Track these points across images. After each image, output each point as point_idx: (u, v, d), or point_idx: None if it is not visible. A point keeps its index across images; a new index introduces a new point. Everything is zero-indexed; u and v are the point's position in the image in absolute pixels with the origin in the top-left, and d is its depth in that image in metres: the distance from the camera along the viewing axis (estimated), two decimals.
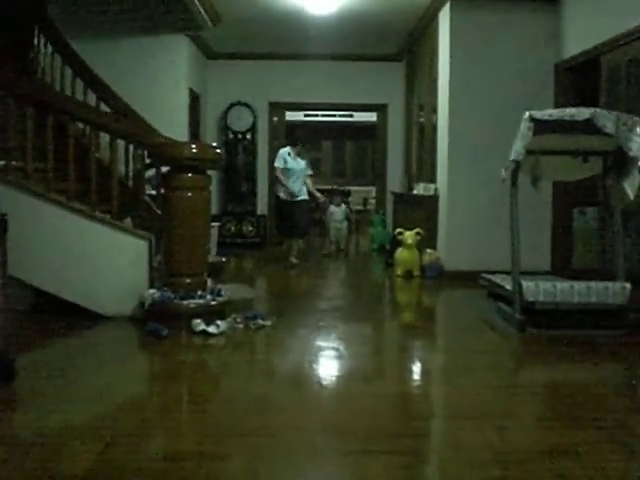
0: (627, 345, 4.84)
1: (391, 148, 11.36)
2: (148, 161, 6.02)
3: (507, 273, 5.58)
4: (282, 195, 8.54)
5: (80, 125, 6.25)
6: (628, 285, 5.15)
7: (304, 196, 8.60)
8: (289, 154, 8.54)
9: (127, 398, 3.63)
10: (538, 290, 5.16)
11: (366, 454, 2.84)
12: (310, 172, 8.76)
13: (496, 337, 5.21)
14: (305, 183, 8.66)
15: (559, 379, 4.11)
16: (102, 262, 5.31)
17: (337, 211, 10.56)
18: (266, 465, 2.72)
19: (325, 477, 2.67)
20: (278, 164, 8.51)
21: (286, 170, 8.48)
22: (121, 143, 5.84)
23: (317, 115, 15.66)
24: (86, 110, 5.83)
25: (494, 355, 4.65)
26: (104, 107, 6.78)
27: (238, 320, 5.22)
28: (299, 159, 8.60)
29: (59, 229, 5.28)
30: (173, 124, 8.52)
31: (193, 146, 5.30)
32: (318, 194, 9.02)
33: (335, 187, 15.24)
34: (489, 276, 6.48)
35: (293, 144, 8.74)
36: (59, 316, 5.26)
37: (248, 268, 8.88)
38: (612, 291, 5.13)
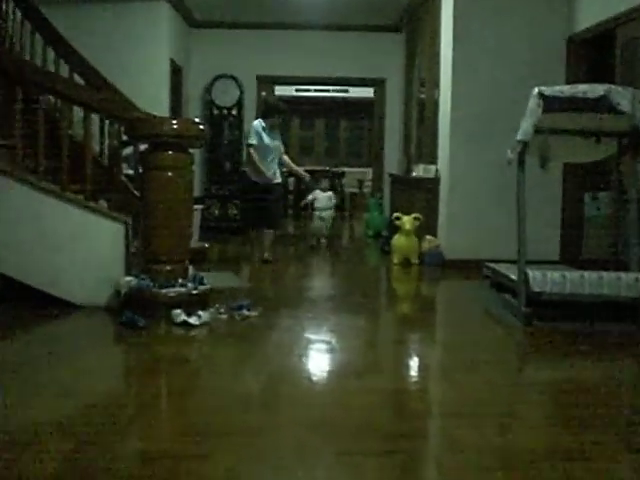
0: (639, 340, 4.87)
1: (389, 126, 11.35)
2: (125, 138, 5.99)
3: (513, 262, 5.59)
4: (254, 178, 7.65)
5: (51, 98, 6.21)
6: None
7: (279, 179, 7.89)
8: (264, 128, 7.62)
9: (100, 394, 3.61)
10: (545, 280, 5.17)
11: (358, 455, 2.84)
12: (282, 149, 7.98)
13: (500, 330, 5.23)
14: (281, 162, 7.96)
15: (566, 376, 4.12)
16: (74, 247, 5.28)
17: (322, 197, 9.56)
18: (250, 466, 2.72)
19: (313, 478, 2.68)
20: (253, 141, 7.58)
21: (261, 148, 7.59)
22: (96, 118, 5.80)
23: (309, 90, 15.62)
24: (57, 81, 5.78)
25: (497, 350, 4.67)
26: (78, 79, 6.73)
27: (222, 311, 5.22)
28: (274, 133, 7.76)
29: (27, 210, 5.24)
30: (153, 98, 8.49)
31: (174, 122, 5.27)
32: (302, 171, 8.48)
33: (327, 168, 15.23)
34: (493, 265, 6.48)
35: (268, 114, 7.74)
36: (27, 305, 5.23)
37: (233, 255, 8.87)
38: (625, 282, 5.14)
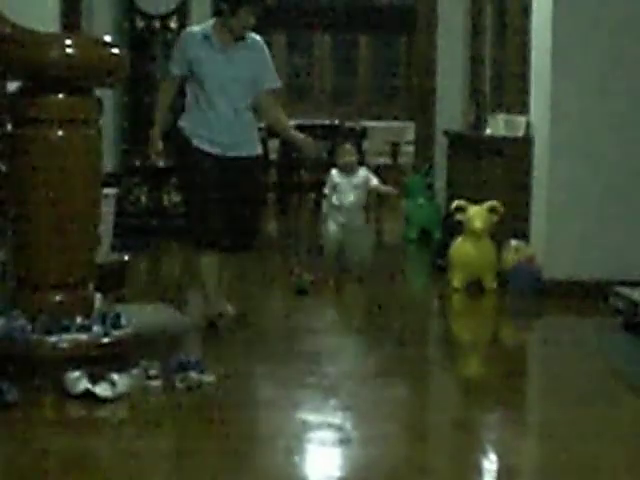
0: None
1: (444, 51, 11.32)
2: None
3: None
4: (201, 145, 6.57)
5: None
6: None
7: (252, 149, 6.71)
8: (206, 37, 6.46)
9: None
10: None
11: None
12: (276, 83, 6.78)
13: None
14: (259, 110, 6.79)
15: None
16: None
17: (344, 184, 8.66)
18: None
19: None
20: (175, 68, 6.63)
21: (199, 77, 6.47)
22: None
23: None
24: None
25: (635, 442, 4.65)
26: None
27: (153, 373, 5.19)
28: (236, 51, 6.54)
29: None
30: (33, 3, 8.48)
31: (68, 42, 5.25)
32: (301, 136, 6.95)
33: (334, 123, 15.17)
34: (629, 291, 6.46)
35: (224, 8, 6.47)
36: None
37: (173, 274, 8.85)
38: None
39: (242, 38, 6.54)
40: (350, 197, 8.67)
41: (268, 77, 6.74)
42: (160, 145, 6.76)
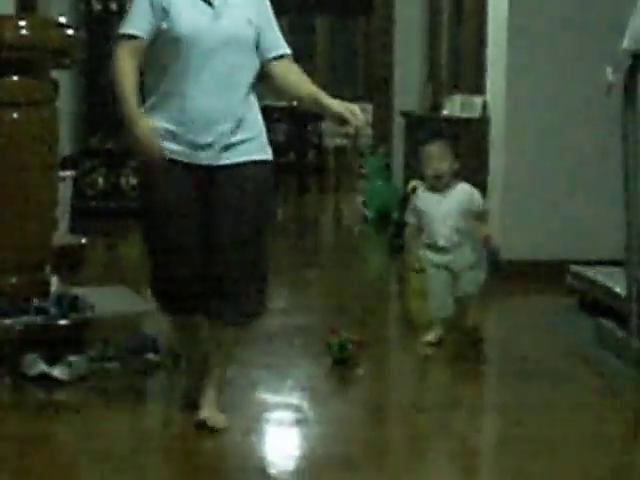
0: None
1: (401, 30, 11.32)
2: None
3: (617, 264, 5.60)
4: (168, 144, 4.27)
5: None
6: None
7: (254, 153, 4.35)
8: None
9: None
10: None
11: None
12: (286, 49, 4.52)
13: (595, 382, 5.27)
14: (273, 83, 4.51)
15: None
16: None
17: (436, 212, 5.77)
18: None
19: None
20: (136, 25, 4.26)
21: (170, 40, 4.24)
22: None
23: None
24: None
25: (591, 418, 4.68)
26: None
27: (109, 355, 5.18)
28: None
29: None
30: None
31: (22, 23, 5.24)
32: (344, 105, 4.26)
33: (288, 104, 15.11)
34: (583, 270, 6.49)
35: None
36: None
37: (132, 256, 8.82)
38: None
39: None
40: (443, 230, 5.72)
41: (274, 41, 4.44)
42: (148, 123, 4.17)
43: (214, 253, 4.20)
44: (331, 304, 7.36)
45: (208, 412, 4.26)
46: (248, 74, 4.29)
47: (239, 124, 4.22)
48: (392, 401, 5.22)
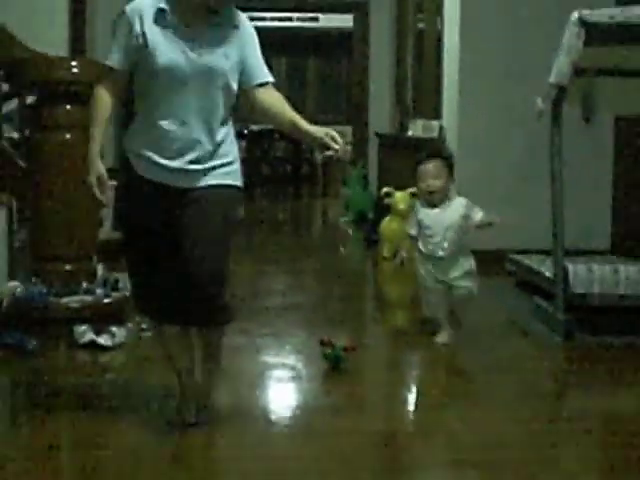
0: None
1: (375, 68, 11.33)
2: (6, 88, 5.91)
3: (547, 253, 5.61)
4: (137, 167, 3.66)
5: None
6: None
7: (224, 177, 3.66)
8: (161, 11, 3.57)
9: None
10: (592, 277, 5.19)
11: None
12: (269, 77, 3.78)
13: (529, 347, 5.27)
14: (255, 110, 3.79)
15: (622, 410, 4.15)
16: None
17: (430, 221, 5.10)
18: None
19: None
20: (115, 59, 3.63)
21: (148, 71, 3.60)
22: None
23: (265, 19, 15.56)
24: None
25: (526, 373, 4.69)
26: None
27: (145, 326, 5.17)
28: (210, 26, 3.61)
29: None
30: (45, 30, 8.38)
31: (74, 63, 5.25)
32: (322, 131, 3.77)
33: None
34: (520, 258, 6.51)
35: None
36: None
37: None
38: None
39: (215, 12, 3.56)
40: (441, 242, 5.03)
41: (257, 69, 3.71)
42: (101, 168, 3.57)
43: (181, 264, 3.48)
44: (320, 286, 7.38)
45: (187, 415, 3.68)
46: (222, 105, 3.57)
47: (212, 153, 3.55)
48: (368, 362, 5.22)
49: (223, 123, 3.59)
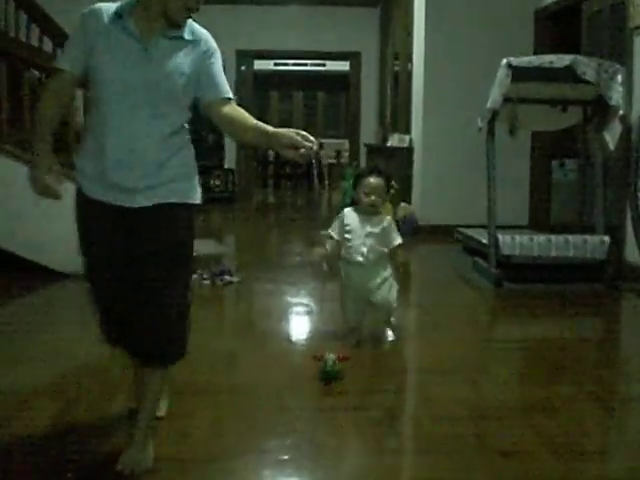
0: (605, 299, 4.91)
1: (365, 98, 11.28)
2: None
3: (483, 227, 5.61)
4: (84, 187, 2.43)
5: (36, 73, 6.09)
6: (607, 239, 5.19)
7: (176, 194, 2.41)
8: (119, 16, 2.35)
9: (88, 358, 3.55)
10: (515, 244, 5.18)
11: (336, 410, 2.85)
12: (229, 93, 2.48)
13: (471, 292, 5.25)
14: (220, 124, 2.49)
15: (535, 334, 4.16)
16: (54, 210, 5.17)
17: (357, 228, 3.81)
18: (232, 422, 2.72)
19: (294, 433, 2.68)
20: (65, 60, 2.41)
21: (95, 79, 2.36)
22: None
23: (287, 64, 15.48)
24: (41, 56, 5.68)
25: (469, 310, 4.70)
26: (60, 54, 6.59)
27: (205, 276, 5.18)
28: (168, 38, 2.39)
29: (17, 180, 5.13)
30: None
31: None
32: (308, 136, 2.52)
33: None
34: (465, 230, 6.51)
35: None
36: (10, 273, 5.10)
37: (215, 224, 8.81)
38: (591, 245, 5.17)
39: (177, 26, 2.38)
40: (359, 246, 3.76)
41: (220, 86, 2.46)
42: (49, 163, 2.34)
43: (132, 291, 2.34)
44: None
45: (127, 457, 2.37)
46: (172, 121, 2.36)
47: (159, 168, 2.33)
48: None
49: (174, 135, 2.38)
